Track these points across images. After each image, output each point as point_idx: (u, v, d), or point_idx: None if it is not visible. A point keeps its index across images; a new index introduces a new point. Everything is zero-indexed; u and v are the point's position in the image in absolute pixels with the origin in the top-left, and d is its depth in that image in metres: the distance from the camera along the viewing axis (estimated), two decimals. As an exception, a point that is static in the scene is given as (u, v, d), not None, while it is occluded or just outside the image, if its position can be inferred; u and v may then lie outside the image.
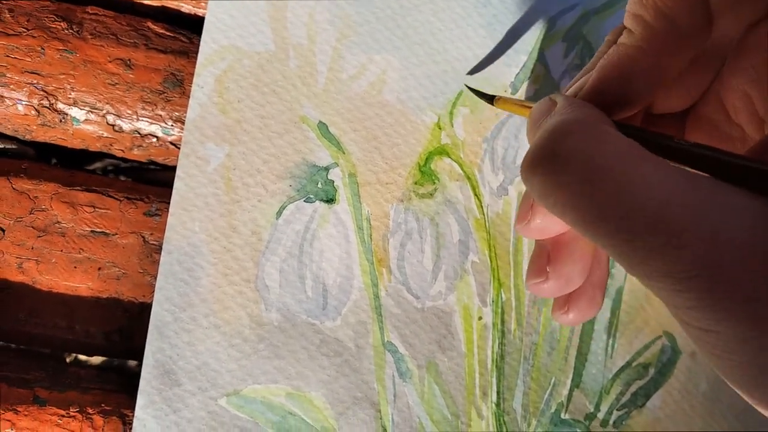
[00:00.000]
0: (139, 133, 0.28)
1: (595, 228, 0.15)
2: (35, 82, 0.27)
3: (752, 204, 0.14)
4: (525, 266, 0.29)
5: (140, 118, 0.28)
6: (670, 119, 0.22)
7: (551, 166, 0.16)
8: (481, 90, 0.27)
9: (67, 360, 0.29)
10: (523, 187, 0.29)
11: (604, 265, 0.23)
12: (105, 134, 0.28)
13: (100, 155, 0.30)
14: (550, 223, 0.21)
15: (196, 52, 0.28)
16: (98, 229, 0.27)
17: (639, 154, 0.15)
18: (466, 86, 0.28)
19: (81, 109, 0.28)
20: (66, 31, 0.28)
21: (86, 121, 0.28)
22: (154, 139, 0.28)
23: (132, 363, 0.29)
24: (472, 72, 0.29)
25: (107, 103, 0.28)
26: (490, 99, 0.26)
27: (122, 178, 0.31)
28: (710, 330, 0.14)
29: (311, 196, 0.27)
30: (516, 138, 0.30)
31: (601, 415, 0.29)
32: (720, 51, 0.19)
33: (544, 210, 0.21)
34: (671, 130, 0.22)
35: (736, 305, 0.13)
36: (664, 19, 0.17)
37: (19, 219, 0.27)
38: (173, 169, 0.29)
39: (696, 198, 0.14)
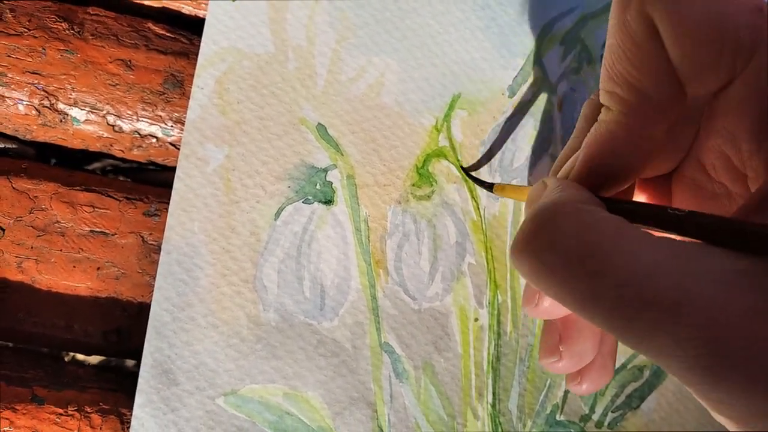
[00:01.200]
0: (139, 134, 0.28)
1: (590, 309, 0.14)
2: (36, 82, 0.27)
3: (740, 266, 0.13)
4: (521, 268, 0.29)
5: (140, 119, 0.28)
6: (657, 182, 0.22)
7: (538, 249, 0.15)
8: (478, 178, 0.28)
9: (65, 359, 0.30)
10: (520, 190, 0.30)
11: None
12: (105, 134, 0.28)
13: (99, 155, 0.30)
14: (557, 305, 0.21)
15: (197, 53, 0.28)
16: (97, 229, 0.28)
17: (624, 229, 0.15)
18: (465, 172, 0.29)
19: (81, 110, 0.28)
20: (67, 32, 0.28)
21: (86, 121, 0.28)
22: (154, 140, 0.29)
23: (130, 362, 0.29)
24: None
25: (107, 104, 0.28)
26: (489, 187, 0.27)
27: (121, 178, 0.31)
28: (725, 403, 0.13)
29: (309, 198, 0.28)
30: (513, 141, 0.30)
31: (596, 417, 0.29)
32: (696, 114, 0.19)
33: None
34: (659, 193, 0.22)
35: (744, 379, 0.12)
36: (638, 93, 0.18)
37: (18, 218, 0.27)
38: (173, 169, 0.29)
39: (684, 268, 0.13)
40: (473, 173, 0.29)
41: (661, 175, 0.22)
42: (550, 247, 0.15)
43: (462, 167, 0.29)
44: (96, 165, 0.31)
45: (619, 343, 0.29)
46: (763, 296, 0.13)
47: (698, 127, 0.20)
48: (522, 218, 0.29)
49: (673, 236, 0.15)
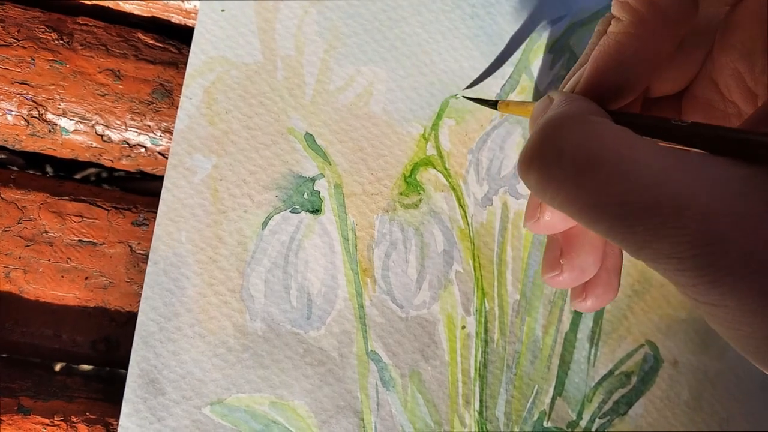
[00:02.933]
0: (127, 144, 0.29)
1: (594, 217, 0.15)
2: (25, 92, 0.27)
3: (743, 173, 0.14)
4: (509, 276, 0.29)
5: (129, 129, 0.28)
6: (667, 102, 0.22)
7: (544, 161, 0.16)
8: (479, 98, 0.27)
9: (57, 369, 0.30)
10: (508, 198, 0.30)
11: (618, 250, 0.23)
12: (94, 144, 0.28)
13: (88, 164, 0.31)
14: (558, 219, 0.21)
15: (185, 63, 0.28)
16: (86, 239, 0.28)
17: (630, 139, 0.15)
18: (464, 96, 0.29)
19: (70, 120, 0.28)
20: (56, 42, 0.28)
21: (75, 131, 0.28)
22: (143, 150, 0.29)
23: (118, 372, 0.29)
24: (468, 87, 0.29)
25: (96, 114, 0.28)
26: (493, 104, 0.26)
27: (106, 186, 0.31)
28: (718, 305, 0.14)
29: (297, 207, 0.28)
30: (501, 149, 0.30)
31: (583, 423, 0.29)
32: (708, 30, 0.19)
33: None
34: (669, 112, 0.22)
35: (739, 279, 0.13)
36: (650, 4, 0.18)
37: (6, 228, 0.27)
38: (161, 178, 0.29)
39: (688, 176, 0.14)
40: (470, 98, 0.29)
41: (671, 95, 0.22)
42: (556, 157, 0.16)
43: (463, 96, 0.29)
44: (87, 171, 0.31)
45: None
46: (762, 201, 0.13)
47: (711, 44, 0.20)
48: (510, 226, 0.30)
49: (677, 146, 0.16)
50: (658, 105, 0.22)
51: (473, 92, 0.30)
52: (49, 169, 0.32)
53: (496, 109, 0.26)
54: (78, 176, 0.34)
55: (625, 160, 0.14)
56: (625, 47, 0.18)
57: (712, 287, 0.13)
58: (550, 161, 0.16)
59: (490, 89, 0.30)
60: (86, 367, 0.32)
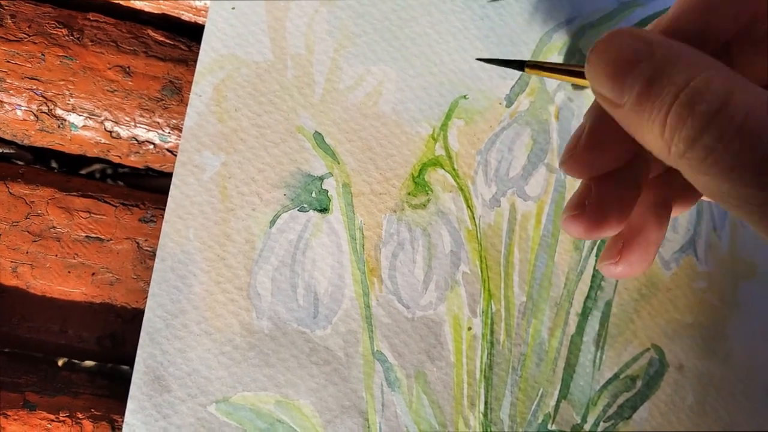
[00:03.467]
0: (136, 140, 0.29)
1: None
2: (35, 87, 0.27)
3: None
4: (515, 278, 0.29)
5: (138, 125, 0.28)
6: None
7: (614, 47, 0.17)
8: (499, 59, 0.26)
9: (60, 363, 0.30)
10: (516, 199, 0.30)
11: (664, 225, 0.22)
12: (103, 140, 0.28)
13: (96, 159, 0.31)
14: (596, 158, 0.21)
15: (195, 60, 0.28)
16: (93, 235, 0.28)
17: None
18: (481, 59, 0.27)
19: (79, 115, 0.28)
20: (66, 38, 0.28)
21: (84, 127, 0.28)
22: (151, 146, 0.29)
23: (124, 368, 0.29)
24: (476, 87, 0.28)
25: (105, 110, 0.28)
26: (519, 65, 0.24)
27: (110, 182, 0.31)
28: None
29: (305, 206, 0.28)
30: (509, 150, 0.30)
31: (587, 427, 0.29)
32: None
33: (592, 146, 0.20)
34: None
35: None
36: None
37: (15, 223, 0.27)
38: (169, 175, 0.29)
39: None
40: (490, 59, 0.27)
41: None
42: (629, 42, 0.16)
43: (479, 59, 0.28)
44: (95, 166, 0.31)
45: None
46: None
47: None
48: (518, 228, 0.30)
49: None
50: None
51: (475, 89, 0.30)
52: (54, 165, 0.32)
53: (522, 70, 0.24)
54: (83, 172, 0.34)
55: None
56: None
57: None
58: (622, 46, 0.16)
59: (499, 90, 0.30)
60: (88, 363, 0.32)
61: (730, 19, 0.18)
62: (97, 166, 0.33)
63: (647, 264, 0.22)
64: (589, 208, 0.21)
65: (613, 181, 0.21)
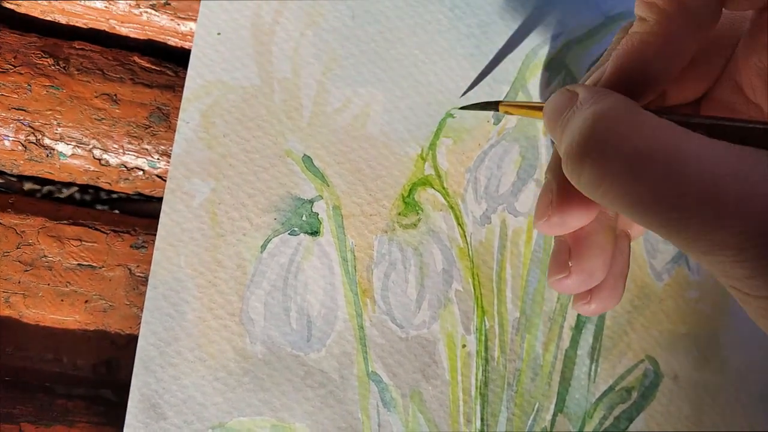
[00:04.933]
0: (125, 167, 0.29)
1: (649, 211, 0.15)
2: (22, 118, 0.28)
3: None
4: (508, 294, 0.29)
5: (126, 152, 0.28)
6: (685, 109, 0.22)
7: (600, 155, 0.16)
8: (476, 103, 0.27)
9: (54, 390, 0.30)
10: (506, 216, 0.30)
11: (626, 257, 0.23)
12: (92, 168, 0.29)
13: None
14: (569, 219, 0.21)
15: (182, 86, 0.28)
16: (85, 262, 0.28)
17: (682, 132, 0.15)
18: (462, 107, 0.28)
19: (68, 144, 0.28)
20: (53, 67, 0.28)
21: (73, 155, 0.28)
22: (141, 172, 0.29)
23: (120, 395, 0.29)
24: (464, 106, 0.29)
25: (94, 138, 0.28)
26: (494, 106, 0.26)
27: (99, 207, 0.31)
28: None
29: (296, 229, 0.28)
30: (498, 167, 0.30)
31: (584, 440, 0.29)
32: (731, 34, 0.19)
33: (563, 206, 0.21)
34: None
35: None
36: (677, 3, 0.18)
37: (6, 253, 0.27)
38: (159, 200, 0.29)
39: (744, 168, 0.14)
40: (468, 106, 0.28)
41: (687, 103, 0.22)
42: (614, 151, 0.15)
43: (461, 108, 0.29)
44: (73, 189, 0.31)
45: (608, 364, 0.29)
46: None
47: (731, 49, 0.20)
48: (509, 244, 0.30)
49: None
50: (674, 112, 0.22)
51: (470, 113, 0.30)
52: (35, 186, 0.32)
53: (497, 110, 0.26)
54: (64, 194, 0.33)
55: (680, 153, 0.14)
56: (650, 46, 0.18)
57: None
58: (606, 156, 0.16)
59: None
60: (71, 389, 0.32)
61: (663, 71, 0.19)
62: (75, 188, 0.33)
63: (618, 297, 0.23)
64: (574, 269, 0.21)
65: (589, 233, 0.22)
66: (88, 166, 0.28)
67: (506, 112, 0.26)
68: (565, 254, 0.22)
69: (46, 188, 0.32)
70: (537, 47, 0.31)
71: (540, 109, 0.22)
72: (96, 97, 0.28)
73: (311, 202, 0.28)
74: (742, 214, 0.14)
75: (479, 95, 0.30)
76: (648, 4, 0.18)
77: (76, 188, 0.31)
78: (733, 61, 0.20)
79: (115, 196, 0.32)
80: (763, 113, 0.20)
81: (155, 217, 0.28)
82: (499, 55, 0.31)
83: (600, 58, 0.23)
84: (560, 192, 0.20)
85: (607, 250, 0.22)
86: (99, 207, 0.32)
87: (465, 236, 0.29)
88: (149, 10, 0.29)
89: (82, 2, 0.29)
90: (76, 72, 0.28)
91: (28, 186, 0.32)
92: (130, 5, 0.29)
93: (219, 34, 0.28)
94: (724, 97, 0.21)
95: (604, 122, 0.16)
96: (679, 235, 0.15)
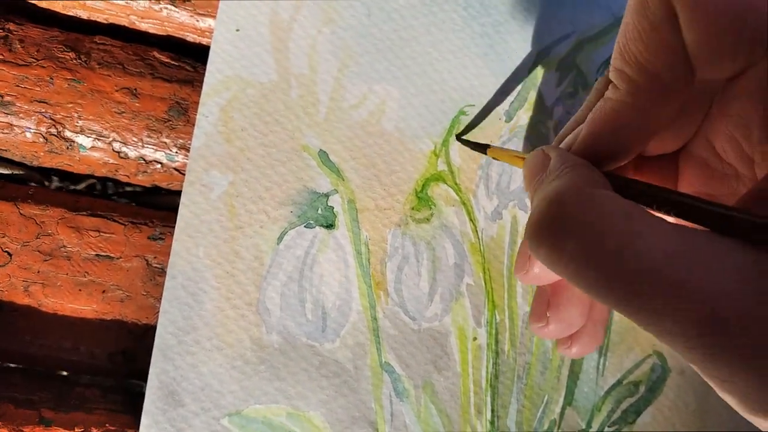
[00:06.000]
0: (144, 160, 0.29)
1: (602, 293, 0.15)
2: (44, 110, 0.28)
3: (747, 256, 0.14)
4: (519, 288, 0.30)
5: (146, 146, 0.29)
6: (663, 160, 0.22)
7: (553, 238, 0.16)
8: (472, 141, 0.29)
9: (72, 378, 0.30)
10: (517, 212, 0.30)
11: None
12: (111, 161, 0.29)
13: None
14: (547, 272, 0.22)
15: (201, 81, 0.29)
16: (103, 253, 0.28)
17: (636, 215, 0.15)
18: (457, 138, 0.30)
19: (88, 137, 0.28)
20: (74, 61, 0.28)
21: (93, 148, 0.29)
22: (159, 166, 0.29)
23: (136, 384, 0.30)
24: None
25: (113, 131, 0.29)
26: (483, 149, 0.27)
27: (115, 198, 0.31)
28: (727, 380, 0.14)
29: (311, 222, 0.28)
30: (510, 165, 0.31)
31: (592, 433, 0.30)
32: (707, 93, 0.20)
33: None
34: (665, 170, 0.22)
35: (746, 359, 0.13)
36: (647, 74, 0.18)
37: (25, 243, 0.28)
38: (176, 193, 0.30)
39: (695, 256, 0.14)
40: (465, 138, 0.30)
41: (667, 154, 0.22)
42: (565, 236, 0.16)
43: (456, 136, 0.30)
44: (91, 180, 0.32)
45: (610, 361, 0.30)
46: (764, 284, 0.14)
47: (708, 108, 0.20)
48: (519, 240, 0.30)
49: (681, 222, 0.16)
50: (653, 162, 0.22)
51: (476, 105, 0.30)
52: (54, 179, 0.33)
53: (485, 153, 0.27)
54: (82, 186, 0.34)
55: (633, 238, 0.15)
56: (622, 116, 0.19)
57: (721, 365, 0.14)
58: (559, 238, 0.16)
59: (499, 106, 0.31)
60: (88, 377, 0.32)
61: (635, 140, 0.20)
62: (94, 180, 0.33)
63: (598, 341, 0.24)
64: (552, 320, 0.22)
65: (566, 284, 0.22)
66: (107, 158, 0.29)
67: (493, 157, 0.27)
68: (545, 304, 0.23)
69: (59, 183, 0.32)
70: (548, 47, 0.32)
71: (522, 159, 0.23)
72: (116, 90, 0.29)
73: (327, 195, 0.29)
74: (687, 303, 0.14)
75: (491, 93, 0.31)
76: (618, 72, 0.18)
77: (93, 180, 0.32)
78: (706, 121, 0.20)
79: (129, 189, 0.33)
80: (737, 171, 0.20)
81: (172, 209, 0.28)
82: (511, 54, 0.31)
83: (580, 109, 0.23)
84: None
85: (585, 300, 0.22)
86: (115, 198, 0.32)
87: (476, 231, 0.30)
88: (169, 6, 0.30)
89: (103, -2, 0.29)
90: (97, 66, 0.29)
91: (48, 179, 0.32)
92: (150, 1, 0.29)
93: (238, 30, 0.29)
94: (700, 152, 0.21)
95: (559, 206, 0.16)
96: (634, 318, 0.15)
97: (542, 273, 0.22)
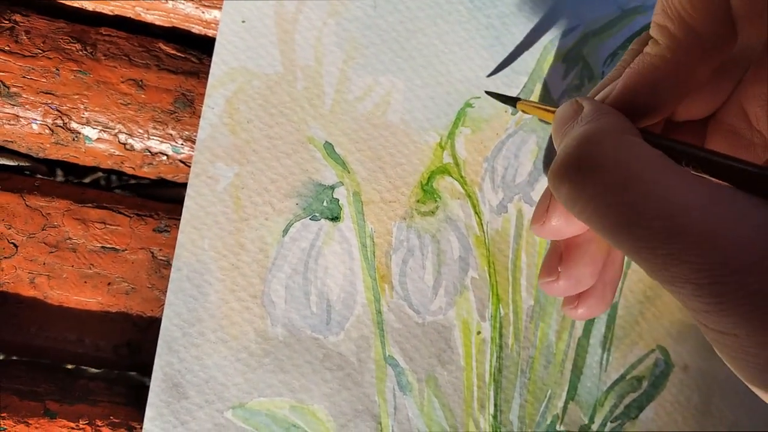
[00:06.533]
0: (149, 152, 0.29)
1: (619, 235, 0.15)
2: (50, 102, 0.28)
3: (767, 212, 0.14)
4: (523, 282, 0.30)
5: (151, 137, 0.29)
6: (692, 126, 0.22)
7: (579, 175, 0.16)
8: (500, 93, 0.28)
9: (77, 371, 0.30)
10: (522, 205, 0.30)
11: (618, 265, 0.23)
12: (117, 152, 0.29)
13: (97, 168, 0.31)
14: (565, 225, 0.22)
15: (206, 73, 0.29)
16: (108, 245, 0.28)
17: (663, 164, 0.15)
18: (487, 92, 0.29)
19: (94, 128, 0.28)
20: (80, 53, 0.28)
21: (98, 139, 0.29)
22: (164, 158, 0.29)
23: (141, 376, 0.30)
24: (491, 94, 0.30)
25: (119, 123, 0.29)
26: (513, 101, 0.27)
27: (118, 191, 0.31)
28: (727, 333, 0.14)
29: (317, 215, 0.28)
30: (516, 157, 0.31)
31: (595, 427, 0.30)
32: (742, 60, 0.20)
33: (560, 212, 0.21)
34: (693, 137, 0.22)
35: (753, 310, 0.14)
36: (689, 30, 0.18)
37: (31, 235, 0.28)
38: (182, 185, 0.30)
39: (715, 207, 0.14)
40: (492, 93, 0.29)
41: (696, 120, 0.22)
42: (591, 174, 0.16)
43: (486, 92, 0.29)
44: (98, 174, 0.32)
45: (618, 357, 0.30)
46: None
47: (743, 74, 0.20)
48: (524, 233, 0.30)
49: (702, 175, 0.16)
50: (681, 128, 0.22)
51: (489, 103, 0.30)
52: (59, 173, 0.33)
53: (515, 106, 0.27)
54: (87, 180, 0.34)
55: (657, 184, 0.15)
56: (660, 70, 0.19)
57: (725, 315, 0.14)
58: (585, 176, 0.16)
59: (504, 98, 0.31)
60: (92, 370, 0.32)
61: (671, 96, 0.19)
62: (100, 174, 0.33)
63: (606, 305, 0.23)
64: (563, 275, 0.22)
65: (583, 241, 0.22)
66: (113, 150, 0.29)
67: (523, 111, 0.26)
68: (556, 259, 0.23)
69: (63, 178, 0.32)
70: (555, 39, 0.31)
71: (553, 112, 0.22)
72: (122, 82, 0.29)
73: (332, 188, 0.29)
74: (703, 250, 0.14)
75: (497, 85, 0.31)
76: (660, 28, 0.18)
77: (99, 174, 0.32)
78: (741, 86, 0.20)
79: (133, 182, 0.33)
80: (766, 140, 0.20)
81: (177, 201, 0.28)
82: (517, 46, 0.31)
83: (616, 63, 0.23)
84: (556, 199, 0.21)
85: (598, 259, 0.22)
86: (119, 191, 0.32)
87: (481, 224, 0.30)
88: (175, -2, 0.29)
89: (108, -11, 0.29)
90: (103, 57, 0.29)
91: (53, 173, 0.32)
92: (155, -8, 0.29)
93: (243, 22, 0.29)
94: (730, 120, 0.21)
95: (588, 144, 0.16)
96: (646, 262, 0.15)
97: (559, 226, 0.22)
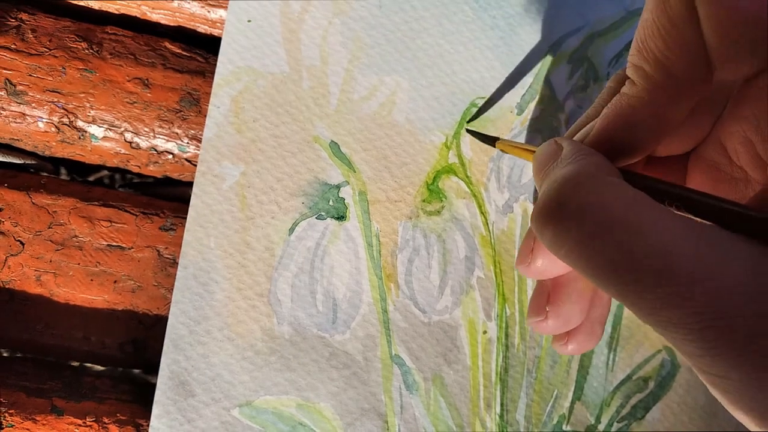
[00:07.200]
0: (155, 150, 0.29)
1: (606, 280, 0.15)
2: (56, 100, 0.28)
3: (753, 252, 0.14)
4: (529, 281, 0.30)
5: (157, 136, 0.29)
6: (673, 161, 0.22)
7: (561, 219, 0.16)
8: (482, 132, 0.29)
9: (83, 368, 0.30)
10: (528, 205, 0.30)
11: (606, 302, 0.23)
12: (122, 151, 0.29)
13: (101, 166, 0.31)
14: (550, 265, 0.22)
15: (212, 72, 0.29)
16: (114, 243, 0.28)
17: (646, 205, 0.15)
18: (467, 130, 0.30)
19: (100, 127, 0.29)
20: (86, 51, 0.29)
21: (104, 138, 0.29)
22: (170, 156, 0.29)
23: (146, 374, 0.30)
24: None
25: (125, 121, 0.29)
26: (491, 141, 0.27)
27: (122, 190, 0.31)
28: (722, 376, 0.14)
29: (323, 214, 0.28)
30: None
31: (601, 427, 0.30)
32: (720, 97, 0.19)
33: (545, 253, 0.22)
34: (674, 171, 0.22)
35: (745, 354, 0.13)
36: (665, 71, 0.18)
37: (38, 233, 0.28)
38: (187, 184, 0.30)
39: (701, 248, 0.14)
40: (475, 129, 0.30)
41: (677, 155, 0.22)
42: (573, 218, 0.16)
43: (467, 130, 0.30)
44: (102, 173, 0.32)
45: (618, 364, 0.30)
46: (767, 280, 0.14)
47: (722, 110, 0.20)
48: (529, 233, 0.30)
49: (685, 215, 0.16)
50: (662, 163, 0.22)
51: (492, 101, 0.30)
52: (63, 171, 0.33)
53: (494, 146, 0.27)
54: (92, 178, 0.34)
55: (640, 226, 0.15)
56: (638, 111, 0.19)
57: (719, 360, 0.14)
58: (566, 220, 0.16)
59: (510, 99, 0.31)
60: (98, 367, 0.32)
61: (649, 137, 0.19)
62: (105, 172, 0.34)
63: (595, 340, 0.23)
64: (551, 315, 0.22)
65: (569, 280, 0.22)
66: (119, 148, 0.29)
67: (502, 150, 0.27)
68: (544, 298, 0.22)
69: (66, 177, 0.32)
70: (560, 40, 0.31)
71: (532, 152, 0.23)
72: (128, 81, 0.29)
73: (338, 187, 0.29)
74: (693, 295, 0.14)
75: (503, 85, 0.31)
76: (636, 68, 0.18)
77: (105, 172, 0.32)
78: (719, 123, 0.20)
79: (137, 180, 0.33)
80: (747, 175, 0.20)
81: (183, 200, 0.28)
82: (522, 47, 0.31)
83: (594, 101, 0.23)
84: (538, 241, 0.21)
85: (585, 297, 0.22)
86: (126, 189, 0.32)
87: (487, 224, 0.30)
88: (181, -3, 0.30)
89: (115, -11, 0.29)
90: (109, 56, 0.29)
91: (57, 172, 0.32)
92: (162, -8, 0.29)
93: (249, 21, 0.29)
94: (710, 155, 0.21)
95: (569, 187, 0.16)
96: (634, 306, 0.15)
97: (544, 266, 0.22)
